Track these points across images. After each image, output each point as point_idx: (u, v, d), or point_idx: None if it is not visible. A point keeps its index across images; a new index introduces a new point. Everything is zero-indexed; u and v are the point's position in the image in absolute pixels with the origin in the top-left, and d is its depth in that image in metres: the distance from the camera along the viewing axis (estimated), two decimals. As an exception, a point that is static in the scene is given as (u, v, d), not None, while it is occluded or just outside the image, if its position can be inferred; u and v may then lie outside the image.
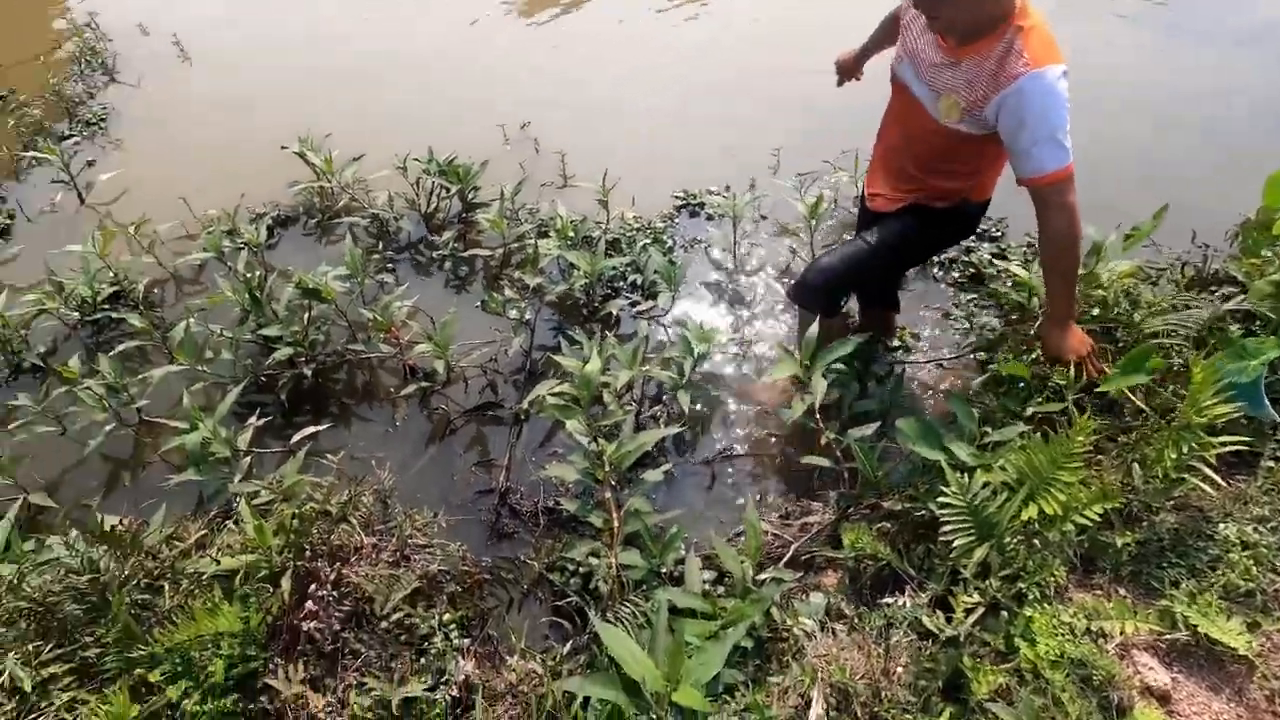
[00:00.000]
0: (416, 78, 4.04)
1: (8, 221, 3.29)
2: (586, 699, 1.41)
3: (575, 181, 3.29)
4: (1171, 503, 1.44)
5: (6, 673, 1.12)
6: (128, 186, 3.43)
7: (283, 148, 3.15)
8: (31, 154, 3.44)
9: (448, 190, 3.05)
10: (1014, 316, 2.33)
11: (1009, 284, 2.43)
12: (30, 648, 1.19)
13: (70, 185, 3.35)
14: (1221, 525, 1.37)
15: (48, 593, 1.22)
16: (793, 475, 2.22)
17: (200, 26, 4.47)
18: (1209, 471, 1.30)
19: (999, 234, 2.95)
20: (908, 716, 1.27)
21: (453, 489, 2.28)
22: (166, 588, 1.40)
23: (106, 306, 2.82)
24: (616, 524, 1.79)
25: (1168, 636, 1.28)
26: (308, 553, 1.37)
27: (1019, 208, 2.82)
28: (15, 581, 1.24)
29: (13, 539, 1.68)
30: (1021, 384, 1.84)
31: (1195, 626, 1.24)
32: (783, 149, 3.34)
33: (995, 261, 2.64)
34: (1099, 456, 1.57)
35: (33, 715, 1.14)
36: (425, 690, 1.34)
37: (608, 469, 1.81)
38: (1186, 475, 1.33)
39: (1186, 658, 1.27)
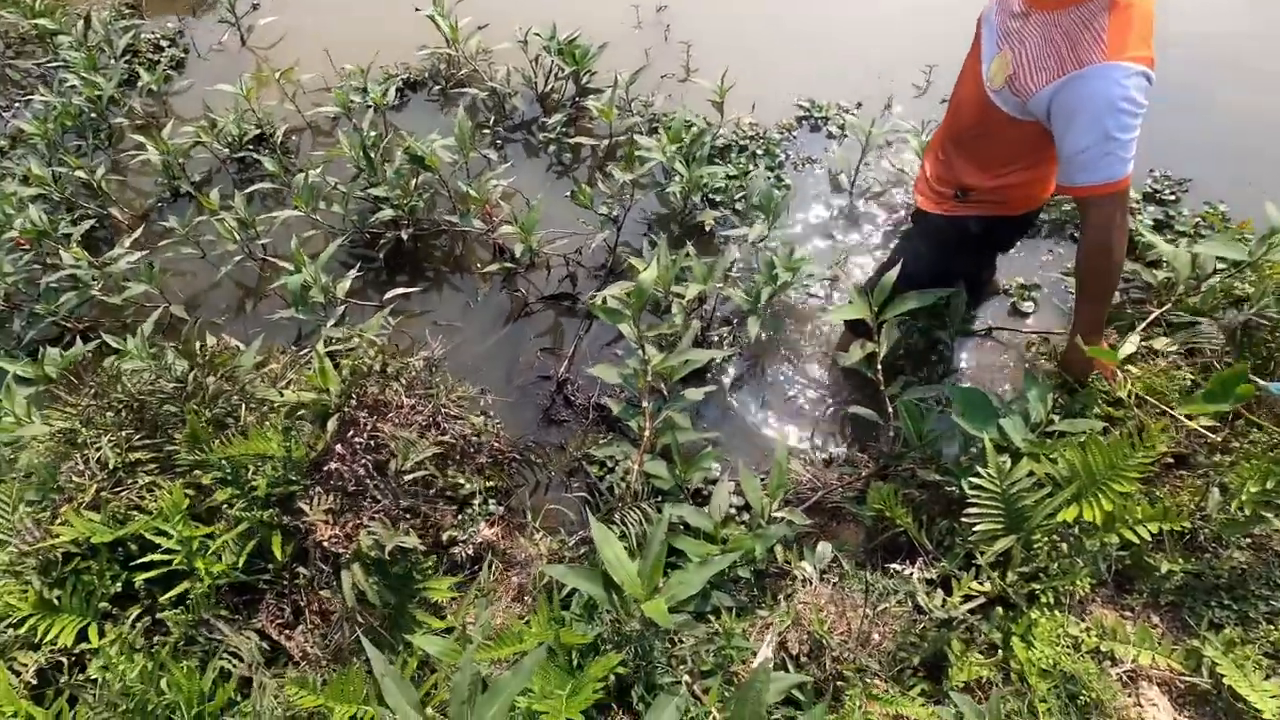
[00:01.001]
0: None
1: (183, 55, 3.61)
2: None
3: (697, 77, 3.11)
4: (1248, 540, 1.25)
5: (101, 451, 1.36)
6: (284, 33, 3.63)
7: (416, 9, 3.18)
8: (209, -7, 3.70)
9: (564, 71, 2.99)
10: (1142, 298, 2.02)
11: (1149, 262, 2.10)
12: (123, 434, 1.41)
13: (235, 26, 3.59)
14: (1297, 580, 1.18)
15: (140, 391, 1.43)
16: (848, 422, 2.14)
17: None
18: None
19: (1173, 197, 2.53)
20: (876, 681, 1.26)
21: (517, 369, 2.40)
22: (242, 408, 1.59)
23: (251, 147, 3.08)
24: (648, 431, 1.82)
25: (1187, 679, 1.16)
26: (354, 403, 1.51)
27: (1207, 169, 2.41)
28: (114, 375, 1.46)
29: (140, 341, 1.96)
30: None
31: (1223, 676, 1.11)
32: (937, 67, 2.97)
33: (1145, 234, 2.27)
34: (1181, 472, 1.38)
35: (117, 489, 1.38)
36: (439, 545, 1.48)
37: (649, 377, 1.82)
38: (1268, 514, 1.14)
39: (1201, 706, 1.14)
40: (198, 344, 1.60)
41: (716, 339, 2.34)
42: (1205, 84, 2.82)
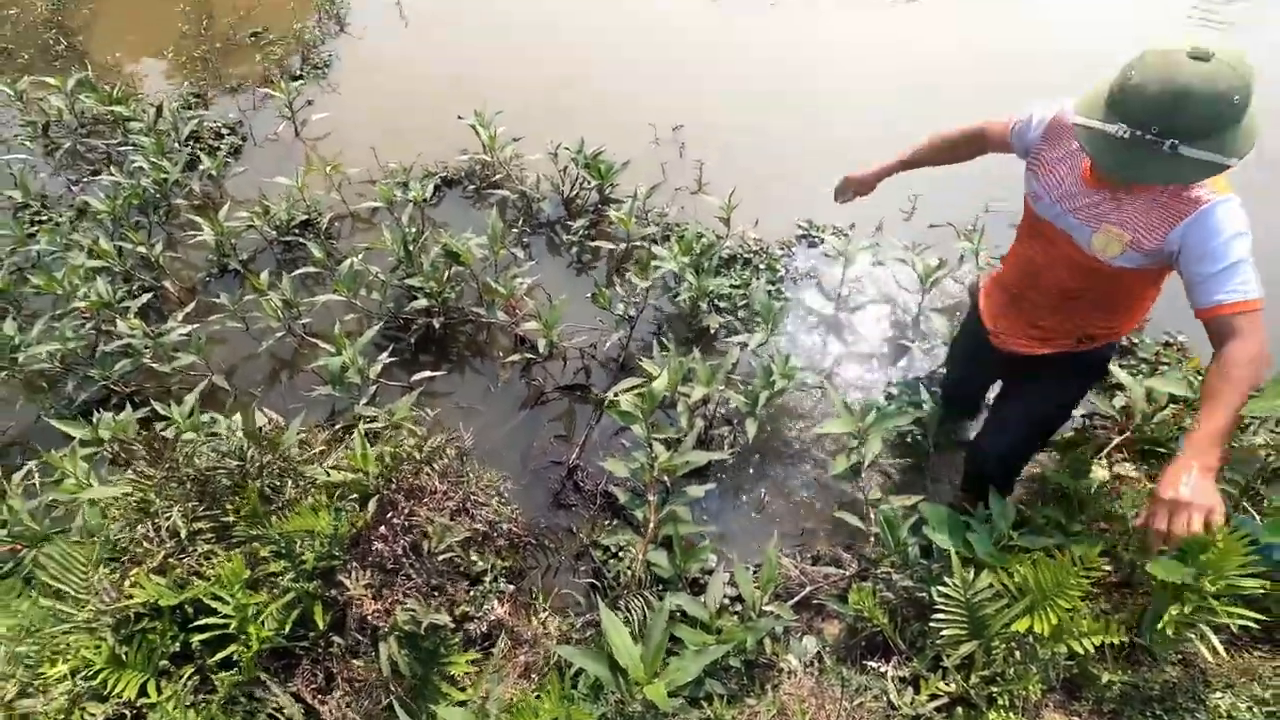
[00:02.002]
0: (595, 69, 4.30)
1: (240, 143, 3.96)
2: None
3: (708, 190, 3.45)
4: (1179, 655, 1.42)
5: (172, 520, 1.53)
6: (334, 128, 3.99)
7: (459, 118, 3.53)
8: (266, 90, 4.09)
9: (589, 182, 3.31)
10: (1101, 423, 2.25)
11: (1113, 390, 2.33)
12: (189, 505, 1.59)
13: (290, 120, 3.95)
14: (1218, 694, 1.34)
15: (208, 467, 1.61)
16: (835, 523, 2.31)
17: (420, -11, 5.00)
18: (1214, 639, 1.28)
19: (1137, 326, 2.78)
20: (852, 771, 1.40)
21: (531, 453, 2.59)
22: (289, 483, 1.78)
23: (297, 231, 3.36)
24: (653, 524, 2.00)
25: (1126, 782, 1.30)
26: (393, 485, 1.69)
27: (1165, 300, 2.68)
28: (190, 454, 1.65)
29: (194, 410, 2.16)
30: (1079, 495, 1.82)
31: (1155, 781, 1.25)
32: (921, 196, 3.30)
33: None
34: (1126, 589, 1.56)
35: (181, 555, 1.54)
36: (457, 620, 1.64)
37: (655, 473, 2.01)
38: (1191, 636, 1.31)
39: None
40: (257, 425, 1.79)
41: (717, 437, 2.54)
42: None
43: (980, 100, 3.76)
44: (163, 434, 1.86)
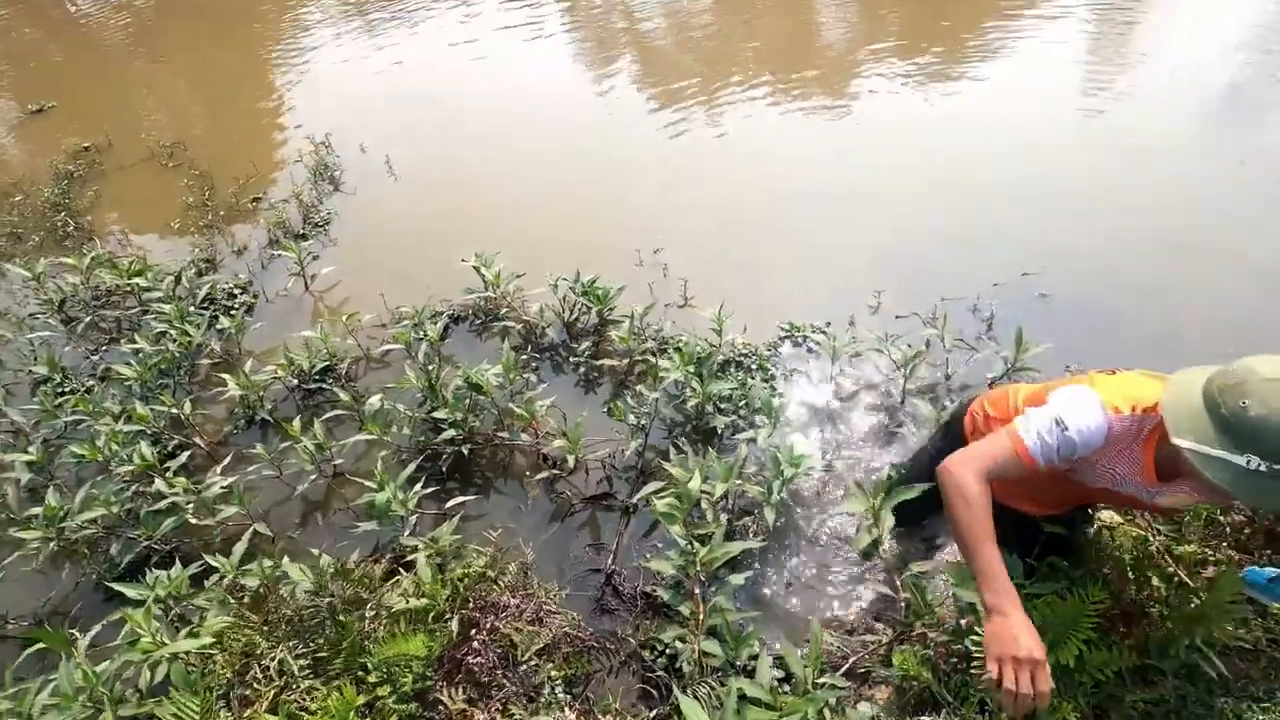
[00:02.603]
0: (578, 205, 4.77)
1: (253, 301, 4.24)
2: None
3: (694, 303, 3.82)
4: (1184, 670, 1.63)
5: (278, 660, 1.66)
6: (341, 279, 4.31)
7: (462, 260, 3.89)
8: (274, 251, 4.43)
9: (588, 308, 3.65)
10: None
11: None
12: (291, 644, 1.73)
13: (300, 274, 4.27)
14: (1221, 699, 1.55)
15: (303, 606, 1.76)
16: (862, 593, 2.51)
17: (406, 149, 5.51)
18: (1216, 661, 1.51)
19: (1086, 389, 3.14)
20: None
21: (568, 564, 2.74)
22: (367, 614, 1.92)
23: (318, 378, 3.59)
24: (701, 615, 2.16)
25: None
26: (470, 604, 1.85)
27: (1109, 365, 3.04)
28: (288, 596, 1.79)
29: (259, 561, 2.30)
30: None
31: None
32: (885, 291, 3.72)
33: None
34: (1129, 618, 1.79)
35: (286, 694, 1.66)
36: (541, 726, 1.76)
37: (698, 568, 2.20)
38: (1197, 659, 1.54)
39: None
40: (342, 565, 1.95)
41: (740, 528, 2.75)
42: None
43: (923, 196, 4.31)
44: (268, 582, 2.00)
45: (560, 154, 5.34)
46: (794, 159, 4.93)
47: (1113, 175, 4.40)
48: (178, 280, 4.12)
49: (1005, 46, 5.99)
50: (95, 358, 3.95)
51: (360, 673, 1.67)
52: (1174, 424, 1.32)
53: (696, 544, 2.28)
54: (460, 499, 2.88)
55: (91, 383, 3.76)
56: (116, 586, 2.42)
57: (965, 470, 1.49)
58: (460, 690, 1.67)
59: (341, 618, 1.77)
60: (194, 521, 2.85)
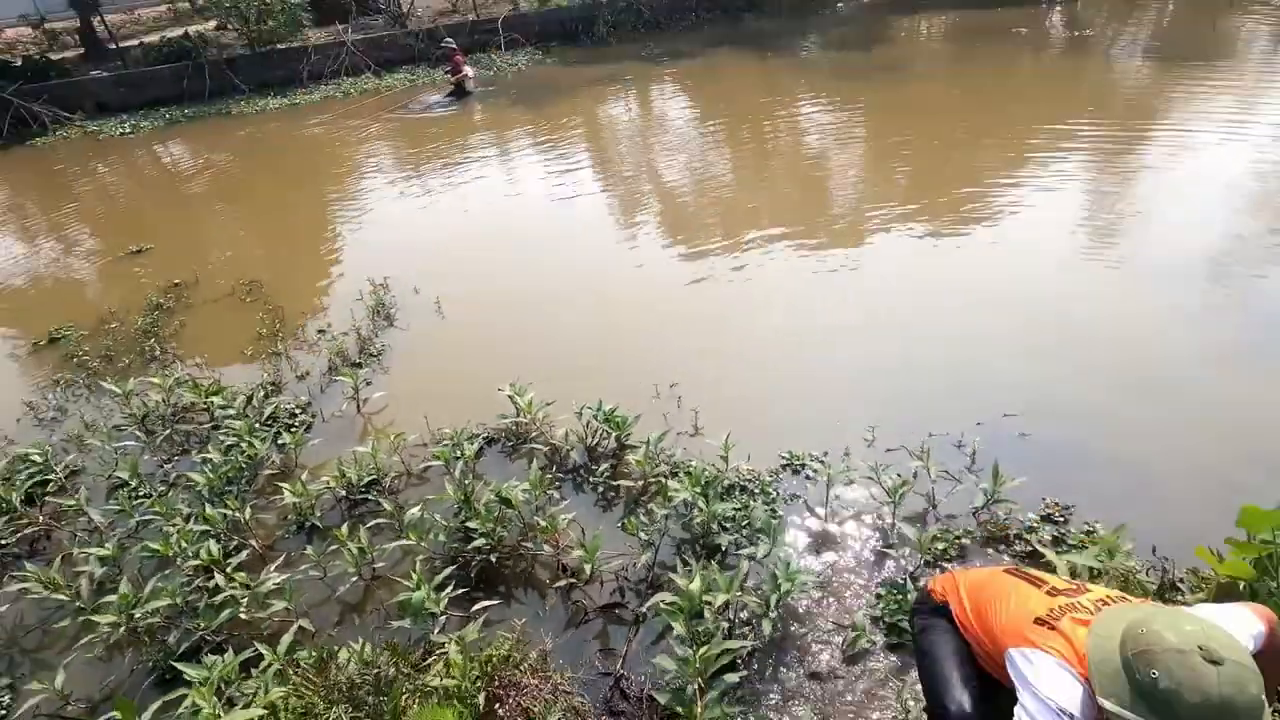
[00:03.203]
0: (603, 343, 5.36)
1: (311, 420, 4.75)
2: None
3: (704, 432, 4.23)
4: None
5: (334, 718, 1.94)
6: (390, 403, 4.83)
7: (499, 389, 4.40)
8: (334, 377, 5.00)
9: (608, 433, 4.08)
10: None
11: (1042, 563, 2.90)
12: (344, 707, 2.01)
13: (354, 398, 4.80)
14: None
15: (359, 674, 2.06)
16: (854, 695, 2.69)
17: (454, 291, 6.25)
18: None
19: (1062, 519, 3.42)
20: None
21: (580, 667, 2.97)
22: (407, 687, 2.21)
23: (364, 490, 3.99)
24: (699, 709, 2.39)
25: None
26: (495, 682, 2.14)
27: (1081, 497, 3.32)
28: (344, 664, 2.10)
29: (308, 649, 2.60)
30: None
31: None
32: (878, 426, 4.11)
33: (1042, 548, 3.11)
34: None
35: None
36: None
37: (698, 664, 2.45)
38: None
39: None
40: (390, 644, 2.26)
41: (739, 636, 2.98)
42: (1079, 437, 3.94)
43: (917, 341, 4.79)
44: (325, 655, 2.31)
45: (590, 297, 6.01)
46: (800, 306, 5.51)
47: (1093, 327, 4.88)
48: (249, 400, 4.67)
49: (1002, 209, 6.73)
50: (168, 466, 4.42)
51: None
52: (1099, 685, 1.45)
53: (696, 646, 2.55)
54: (485, 603, 3.17)
55: (163, 488, 4.20)
56: (179, 666, 2.72)
57: None
58: (483, 756, 1.93)
59: (388, 688, 2.06)
60: (244, 616, 3.17)
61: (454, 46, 12.93)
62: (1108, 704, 1.42)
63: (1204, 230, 5.94)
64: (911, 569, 3.24)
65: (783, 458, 3.98)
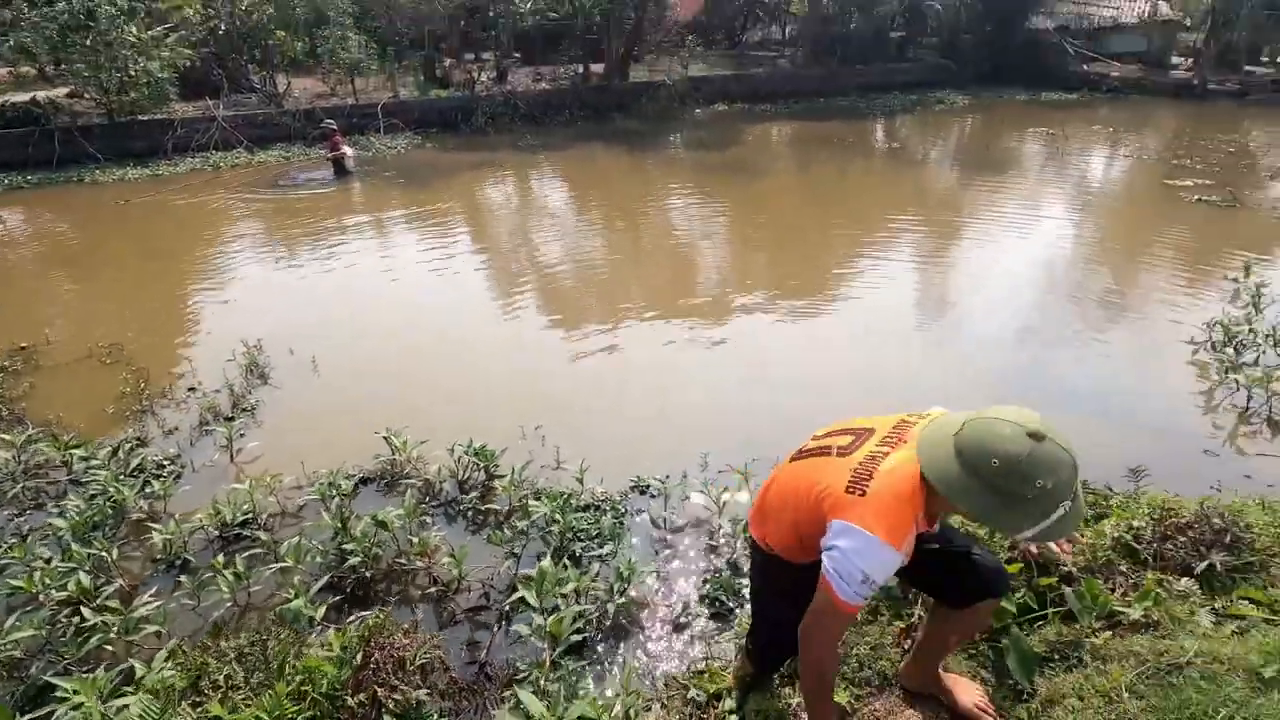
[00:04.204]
0: (475, 397, 5.86)
1: (180, 470, 4.84)
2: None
3: (564, 464, 4.80)
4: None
5: (224, 674, 2.27)
6: (263, 454, 5.03)
7: (375, 433, 4.77)
8: (206, 427, 5.14)
9: (479, 466, 4.57)
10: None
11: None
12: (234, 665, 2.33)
13: (227, 449, 4.97)
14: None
15: (240, 650, 2.38)
16: (680, 657, 3.27)
17: (329, 352, 6.54)
18: None
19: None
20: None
21: (451, 660, 3.35)
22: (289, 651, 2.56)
23: (239, 527, 4.19)
24: (547, 662, 2.88)
25: None
26: (370, 642, 2.54)
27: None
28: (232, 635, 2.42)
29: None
30: None
31: None
32: (710, 452, 4.87)
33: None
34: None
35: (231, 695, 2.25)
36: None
37: (547, 630, 2.96)
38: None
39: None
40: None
41: (587, 622, 3.50)
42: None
43: (747, 389, 5.67)
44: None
45: (462, 356, 6.53)
46: (657, 365, 6.33)
47: (907, 381, 6.01)
48: (114, 452, 4.72)
49: (842, 288, 8.02)
50: (20, 519, 4.36)
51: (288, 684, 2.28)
52: (942, 486, 1.62)
53: (547, 616, 3.06)
54: (361, 612, 3.49)
55: (15, 539, 4.15)
56: (55, 680, 2.84)
57: (822, 649, 1.84)
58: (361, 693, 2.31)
59: (275, 645, 2.40)
60: (112, 646, 3.29)
61: (334, 127, 13.36)
62: (946, 490, 1.60)
63: (1008, 307, 7.42)
64: (730, 557, 3.93)
65: (631, 481, 4.63)
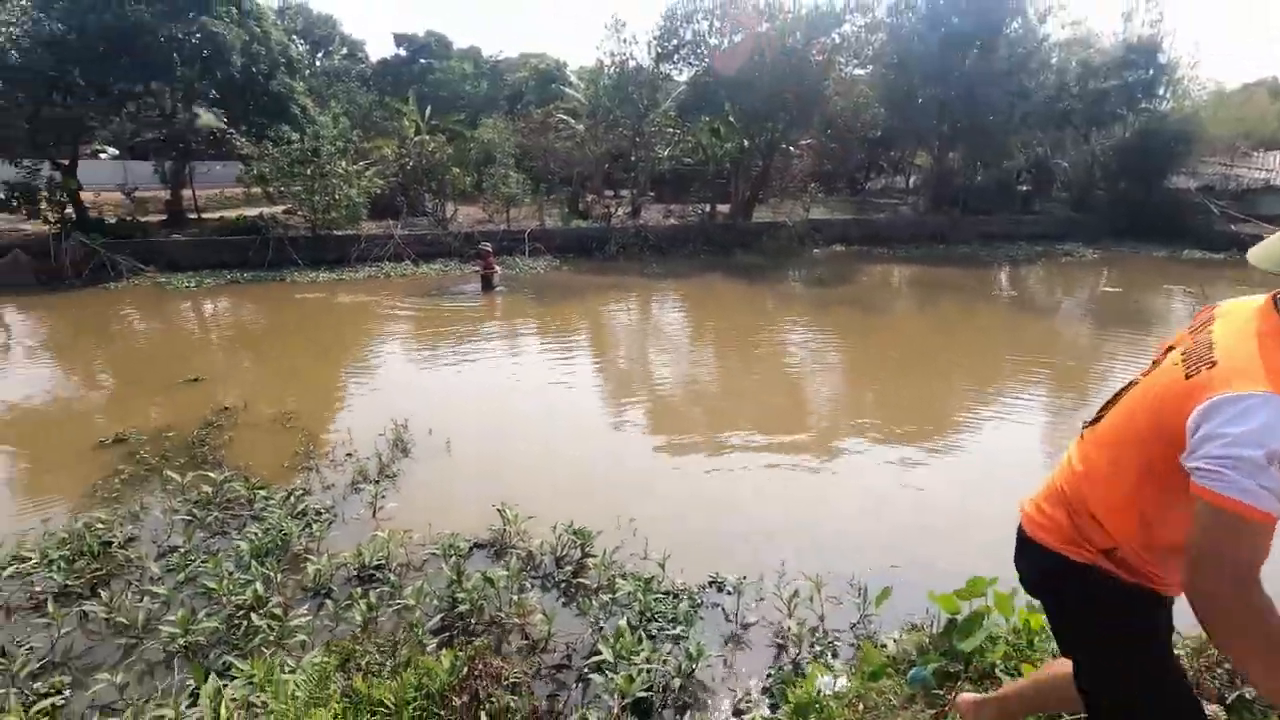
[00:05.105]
0: (580, 485, 6.53)
1: (333, 518, 5.77)
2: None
3: (651, 555, 5.26)
4: None
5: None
6: (400, 513, 5.88)
7: (492, 506, 5.50)
8: (357, 486, 6.11)
9: (575, 544, 5.14)
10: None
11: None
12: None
13: (372, 505, 5.86)
14: None
15: (379, 644, 3.01)
16: (733, 743, 3.53)
17: (462, 436, 7.52)
18: None
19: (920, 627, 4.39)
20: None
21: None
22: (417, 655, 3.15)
23: (373, 569, 4.94)
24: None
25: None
26: (475, 660, 3.09)
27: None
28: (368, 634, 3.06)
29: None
30: None
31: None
32: (786, 560, 5.17)
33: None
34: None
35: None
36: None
37: (620, 685, 3.36)
38: None
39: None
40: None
41: (652, 687, 3.84)
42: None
43: (824, 511, 5.94)
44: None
45: (571, 451, 7.27)
46: (755, 485, 6.76)
47: (951, 518, 6.09)
48: (287, 497, 5.74)
49: (957, 430, 8.22)
50: (211, 540, 5.37)
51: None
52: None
53: (620, 675, 3.48)
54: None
55: (207, 555, 5.13)
56: (234, 660, 3.58)
57: (1239, 590, 1.19)
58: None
59: (405, 649, 3.01)
60: (267, 649, 4.03)
61: (489, 248, 15.47)
62: None
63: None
64: (795, 656, 4.17)
65: (709, 576, 5.00)
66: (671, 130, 24.97)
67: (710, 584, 4.97)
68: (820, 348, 11.93)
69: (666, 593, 4.75)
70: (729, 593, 4.87)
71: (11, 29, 15.22)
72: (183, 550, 5.13)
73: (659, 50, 22.03)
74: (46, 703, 3.60)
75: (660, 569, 4.79)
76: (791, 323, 13.43)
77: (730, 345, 12.29)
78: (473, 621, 4.35)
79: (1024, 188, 28.29)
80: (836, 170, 29.32)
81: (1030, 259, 20.82)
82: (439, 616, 4.21)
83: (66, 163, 17.78)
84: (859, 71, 23.77)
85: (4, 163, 17.33)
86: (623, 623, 3.73)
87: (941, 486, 6.58)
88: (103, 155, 28.00)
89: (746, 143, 23.16)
